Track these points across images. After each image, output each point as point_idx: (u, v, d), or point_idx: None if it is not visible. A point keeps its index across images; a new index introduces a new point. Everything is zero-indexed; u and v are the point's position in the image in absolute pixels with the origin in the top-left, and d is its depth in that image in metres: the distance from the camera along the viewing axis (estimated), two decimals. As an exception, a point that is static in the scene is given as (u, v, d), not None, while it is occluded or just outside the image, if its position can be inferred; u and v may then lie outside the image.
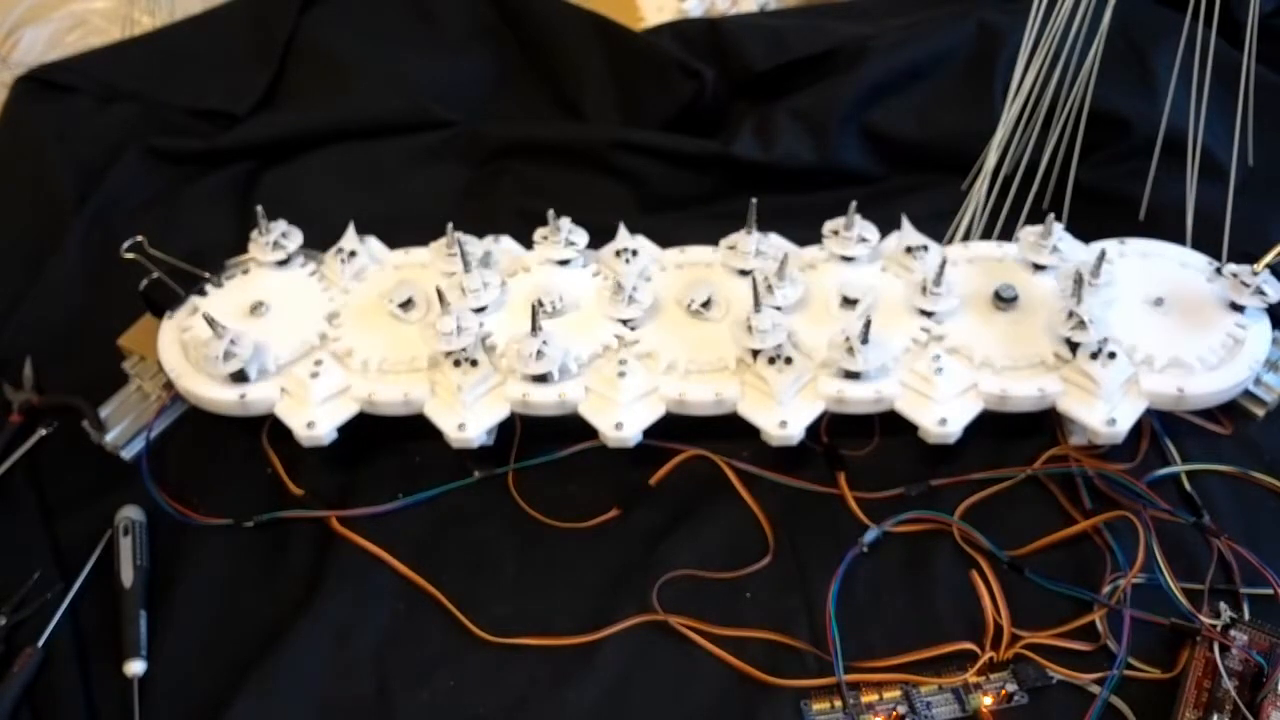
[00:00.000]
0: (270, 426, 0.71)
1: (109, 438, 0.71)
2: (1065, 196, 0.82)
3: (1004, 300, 0.69)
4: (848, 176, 0.89)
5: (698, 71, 0.93)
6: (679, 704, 0.60)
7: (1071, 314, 0.65)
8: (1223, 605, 0.61)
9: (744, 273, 0.72)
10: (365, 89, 0.98)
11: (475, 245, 0.74)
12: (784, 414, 0.66)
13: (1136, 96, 0.87)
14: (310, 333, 0.70)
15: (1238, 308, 0.68)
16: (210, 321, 0.67)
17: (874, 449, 0.70)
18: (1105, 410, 0.64)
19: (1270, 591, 0.61)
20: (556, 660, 0.62)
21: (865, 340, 0.65)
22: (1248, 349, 0.67)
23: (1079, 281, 0.66)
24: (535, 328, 0.66)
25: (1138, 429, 0.66)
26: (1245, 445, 0.69)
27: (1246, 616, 0.60)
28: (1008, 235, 0.76)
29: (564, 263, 0.74)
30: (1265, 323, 0.68)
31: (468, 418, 0.66)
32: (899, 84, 0.91)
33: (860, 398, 0.66)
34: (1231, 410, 0.70)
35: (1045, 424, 0.69)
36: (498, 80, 1.01)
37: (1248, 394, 0.69)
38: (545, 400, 0.67)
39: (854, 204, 0.73)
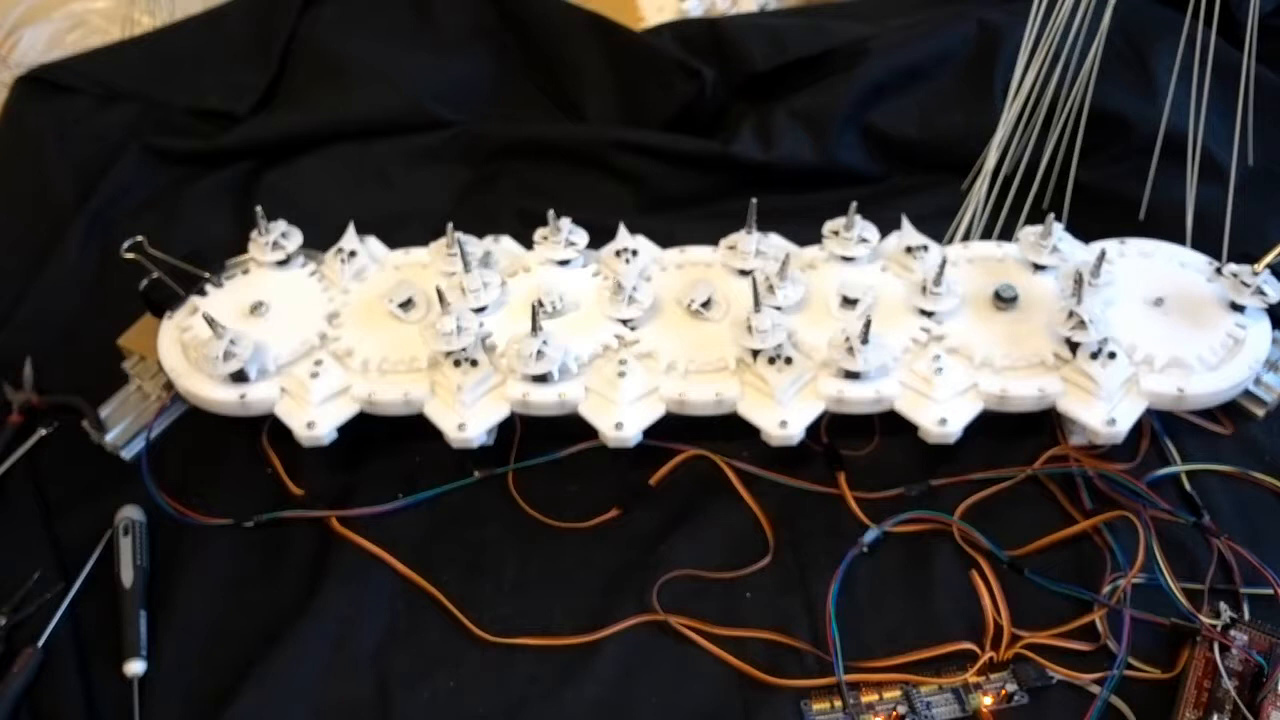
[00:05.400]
0: (270, 426, 0.71)
1: (109, 438, 0.71)
2: (1065, 196, 0.82)
3: (1004, 300, 0.69)
4: (848, 176, 0.89)
5: (698, 71, 0.93)
6: (679, 704, 0.60)
7: (1071, 314, 0.65)
8: (1223, 605, 0.61)
9: (744, 273, 0.72)
10: (365, 89, 0.97)
11: (475, 245, 0.74)
12: (784, 414, 0.66)
13: (1136, 96, 0.87)
14: (310, 333, 0.70)
15: (1238, 308, 0.68)
16: (210, 321, 0.67)
17: (874, 449, 0.70)
18: (1105, 410, 0.64)
19: (1270, 591, 0.61)
20: (556, 660, 0.62)
21: (865, 340, 0.65)
22: (1248, 349, 0.67)
23: (1079, 281, 0.66)
24: (535, 328, 0.66)
25: (1138, 429, 0.66)
26: (1245, 445, 0.69)
27: (1246, 616, 0.60)
28: (1008, 235, 0.76)
29: (564, 263, 0.74)
30: (1265, 323, 0.68)
31: (468, 418, 0.66)
32: (899, 84, 0.91)
33: (860, 398, 0.66)
34: (1231, 410, 0.70)
35: (1045, 424, 0.69)
36: (498, 80, 1.01)
37: (1248, 394, 0.69)
38: (545, 400, 0.67)
39: (854, 204, 0.73)
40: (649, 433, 0.67)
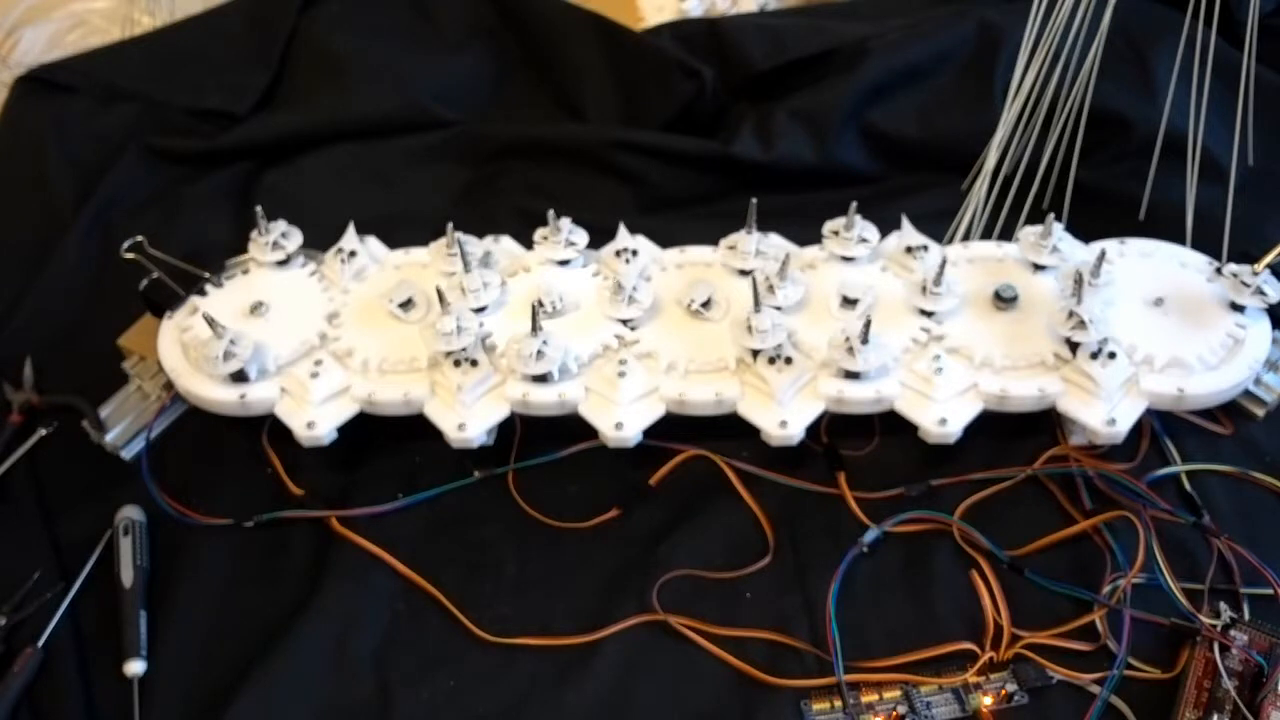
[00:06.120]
0: (270, 426, 0.71)
1: (109, 438, 0.71)
2: (1065, 196, 0.82)
3: (1004, 300, 0.69)
4: (848, 176, 0.89)
5: (698, 71, 0.93)
6: (679, 704, 0.60)
7: (1071, 314, 0.65)
8: (1223, 605, 0.61)
9: (744, 273, 0.72)
10: (365, 89, 0.98)
11: (475, 245, 0.74)
12: (784, 414, 0.66)
13: (1136, 96, 0.87)
14: (310, 333, 0.70)
15: (1238, 308, 0.68)
16: (210, 321, 0.67)
17: (874, 449, 0.70)
18: (1105, 410, 0.64)
19: (1270, 591, 0.61)
20: (556, 660, 0.62)
21: (865, 340, 0.65)
22: (1248, 349, 0.67)
23: (1079, 281, 0.66)
24: (535, 328, 0.66)
25: (1138, 429, 0.66)
26: (1245, 445, 0.69)
27: (1246, 616, 0.60)
28: (1008, 235, 0.76)
29: (564, 263, 0.74)
30: (1265, 323, 0.68)
31: (468, 418, 0.66)
32: (899, 84, 0.91)
33: (860, 398, 0.66)
34: (1231, 410, 0.70)
35: (1045, 424, 0.69)
36: (498, 80, 1.01)
37: (1248, 394, 0.69)
38: (545, 400, 0.67)
39: (854, 204, 0.73)
40: (649, 433, 0.67)
